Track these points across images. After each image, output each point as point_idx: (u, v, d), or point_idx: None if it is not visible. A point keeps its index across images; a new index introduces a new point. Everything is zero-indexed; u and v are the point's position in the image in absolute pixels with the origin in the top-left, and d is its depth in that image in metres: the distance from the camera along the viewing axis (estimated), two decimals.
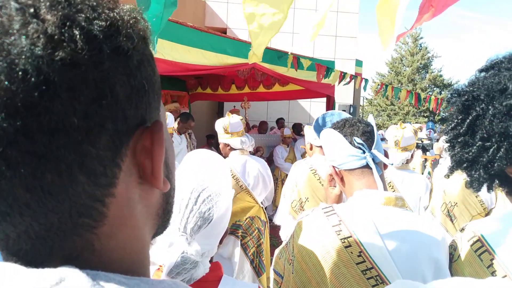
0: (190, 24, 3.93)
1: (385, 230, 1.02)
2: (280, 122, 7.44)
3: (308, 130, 2.94)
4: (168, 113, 3.06)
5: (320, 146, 2.74)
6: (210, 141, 7.21)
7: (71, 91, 0.27)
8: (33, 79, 0.26)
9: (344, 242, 1.02)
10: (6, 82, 0.26)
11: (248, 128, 6.64)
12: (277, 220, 2.98)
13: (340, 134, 1.11)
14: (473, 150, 0.54)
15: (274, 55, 4.97)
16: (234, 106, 6.89)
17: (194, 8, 8.09)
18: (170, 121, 3.06)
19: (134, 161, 0.34)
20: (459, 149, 0.58)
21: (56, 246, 0.31)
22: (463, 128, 0.57)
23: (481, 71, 0.69)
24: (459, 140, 0.59)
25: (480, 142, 0.54)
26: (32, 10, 0.27)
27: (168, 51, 3.39)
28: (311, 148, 2.86)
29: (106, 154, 0.30)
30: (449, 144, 0.61)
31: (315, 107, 9.16)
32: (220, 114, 9.21)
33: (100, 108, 0.29)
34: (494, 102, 0.57)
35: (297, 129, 6.63)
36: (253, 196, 2.77)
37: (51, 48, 0.27)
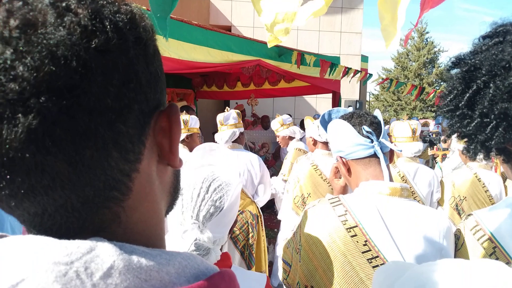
0: (195, 22, 3.95)
1: (390, 220, 1.05)
2: None
3: (310, 124, 2.95)
4: (192, 116, 3.08)
5: (324, 142, 2.75)
6: None
7: (105, 75, 0.31)
8: (73, 63, 0.29)
9: (350, 231, 1.04)
10: (52, 67, 0.29)
11: (255, 124, 6.67)
12: (280, 216, 2.99)
13: (349, 124, 1.13)
14: (471, 125, 0.52)
15: (278, 51, 4.98)
16: (237, 103, 6.91)
17: (199, 6, 8.12)
18: (194, 123, 3.07)
19: (154, 140, 0.37)
20: (458, 121, 0.56)
21: (89, 218, 0.33)
22: (463, 101, 0.53)
23: (484, 37, 0.64)
24: (457, 113, 0.56)
25: (478, 119, 0.51)
26: (64, 4, 0.31)
27: (174, 49, 3.42)
28: (314, 144, 2.86)
29: (134, 132, 0.34)
30: (447, 114, 0.59)
31: (321, 102, 9.15)
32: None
33: (128, 90, 0.33)
34: (496, 80, 0.55)
35: (304, 124, 6.63)
36: (243, 189, 2.76)
37: (86, 37, 0.30)
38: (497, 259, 1.17)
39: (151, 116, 0.36)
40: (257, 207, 2.83)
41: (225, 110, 3.07)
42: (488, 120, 0.52)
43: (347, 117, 1.16)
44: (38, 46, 0.29)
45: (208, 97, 7.71)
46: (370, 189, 1.09)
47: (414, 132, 2.77)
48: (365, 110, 1.19)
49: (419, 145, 2.76)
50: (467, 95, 0.53)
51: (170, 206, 0.44)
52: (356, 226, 1.04)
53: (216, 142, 2.91)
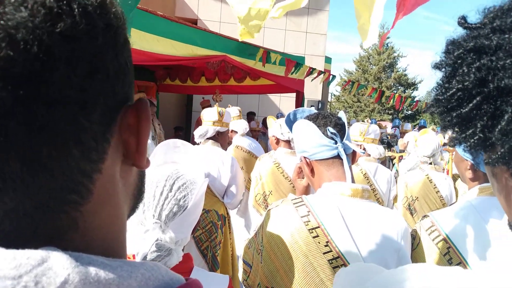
0: (160, 13, 3.83)
1: (351, 221, 1.06)
2: (250, 116, 7.46)
3: (273, 123, 2.94)
4: (228, 109, 2.83)
5: (286, 140, 2.76)
6: (178, 133, 7.11)
7: (69, 64, 0.27)
8: (34, 49, 0.26)
9: (312, 232, 1.04)
10: (9, 51, 0.25)
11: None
12: (238, 213, 2.95)
13: (314, 125, 1.14)
14: (496, 130, 0.39)
15: (244, 48, 4.96)
16: (203, 98, 6.82)
17: None
18: (228, 117, 2.85)
19: (120, 138, 0.34)
20: (456, 102, 0.44)
21: (42, 224, 0.30)
22: (470, 80, 0.42)
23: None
24: (459, 95, 0.43)
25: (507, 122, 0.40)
26: None
27: (136, 40, 3.30)
28: (277, 142, 2.86)
29: (98, 129, 0.31)
30: (445, 96, 0.45)
31: (284, 101, 9.24)
32: (189, 106, 9.10)
33: (94, 82, 0.29)
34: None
35: (267, 123, 6.67)
36: (210, 188, 2.66)
37: (50, 20, 0.27)
38: (450, 259, 1.22)
39: (118, 111, 0.33)
40: (225, 208, 2.75)
41: (215, 106, 2.82)
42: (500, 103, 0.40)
43: (312, 118, 1.16)
44: None
45: (171, 91, 7.56)
46: (332, 190, 1.09)
47: (375, 136, 2.88)
48: (330, 111, 1.19)
49: (381, 148, 2.87)
50: (476, 73, 0.43)
51: (132, 210, 0.40)
52: (318, 227, 1.04)
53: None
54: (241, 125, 4.06)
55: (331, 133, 1.11)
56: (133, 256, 0.81)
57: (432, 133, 2.93)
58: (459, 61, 0.46)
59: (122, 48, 0.33)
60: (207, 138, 2.79)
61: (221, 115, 2.80)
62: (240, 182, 2.80)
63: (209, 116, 2.79)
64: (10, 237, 0.29)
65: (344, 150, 1.12)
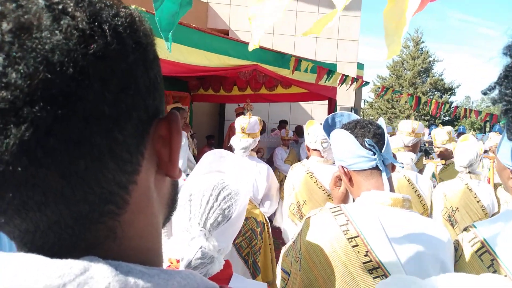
0: (193, 25, 3.94)
1: (392, 231, 1.04)
2: (282, 125, 7.46)
3: (306, 132, 2.90)
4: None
5: (316, 150, 2.73)
6: (210, 141, 7.21)
7: (102, 81, 0.29)
8: (70, 70, 0.28)
9: (351, 241, 1.03)
10: (47, 74, 0.27)
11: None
12: (276, 222, 2.95)
13: (351, 135, 1.12)
14: None
15: (276, 57, 4.99)
16: (239, 105, 6.88)
17: (197, 9, 8.12)
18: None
19: (153, 150, 0.35)
20: None
21: (82, 235, 0.31)
22: None
23: None
24: None
25: None
26: (60, 7, 0.29)
27: (171, 52, 3.40)
28: (308, 150, 2.84)
29: (132, 142, 0.32)
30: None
31: (316, 109, 9.17)
32: (221, 115, 9.22)
33: (126, 97, 0.31)
34: None
35: (299, 131, 6.64)
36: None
37: (83, 42, 0.29)
38: (495, 271, 1.17)
39: (150, 124, 0.35)
40: (263, 215, 2.78)
41: (247, 115, 2.83)
42: None
43: (350, 127, 1.15)
44: (32, 52, 0.27)
45: (204, 100, 7.69)
46: (371, 199, 1.08)
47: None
48: (368, 119, 1.17)
49: (411, 154, 2.81)
50: None
51: (167, 218, 0.42)
52: (358, 236, 1.03)
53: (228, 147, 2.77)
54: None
55: (369, 145, 1.10)
56: (177, 260, 0.84)
57: (473, 140, 2.79)
58: None
59: (151, 64, 0.35)
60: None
61: (261, 124, 2.83)
62: (274, 192, 2.81)
63: (254, 128, 2.76)
64: (54, 247, 0.31)
65: (383, 161, 1.10)
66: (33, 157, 0.27)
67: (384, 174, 1.08)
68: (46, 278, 0.27)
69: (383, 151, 1.10)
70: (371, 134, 1.11)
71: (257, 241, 2.56)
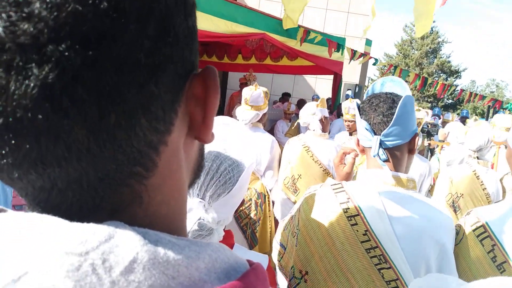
0: None
1: (393, 211, 1.02)
2: (284, 97, 7.38)
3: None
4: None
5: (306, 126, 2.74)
6: None
7: (140, 23, 0.25)
8: (104, 3, 0.23)
9: (351, 220, 1.02)
10: (77, 6, 0.22)
11: None
12: (272, 196, 2.95)
13: (358, 112, 1.10)
14: None
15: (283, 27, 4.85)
16: (245, 75, 6.79)
17: None
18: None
19: (186, 109, 0.31)
20: None
21: (106, 197, 0.28)
22: None
23: None
24: None
25: None
26: None
27: None
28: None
29: (167, 97, 0.28)
30: None
31: (320, 83, 9.06)
32: (224, 83, 9.11)
33: (165, 45, 0.27)
34: None
35: (302, 105, 6.58)
36: None
37: None
38: (495, 256, 1.17)
39: (185, 80, 0.30)
40: (264, 186, 2.76)
41: (254, 86, 2.67)
42: None
43: (366, 101, 1.10)
44: None
45: None
46: (375, 178, 1.06)
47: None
48: (387, 96, 1.08)
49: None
50: None
51: (191, 185, 0.38)
52: (358, 215, 1.01)
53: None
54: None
55: (365, 128, 1.06)
56: None
57: (486, 126, 2.75)
58: None
59: (191, 10, 0.30)
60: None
61: (266, 97, 2.76)
62: (276, 164, 2.79)
63: (258, 101, 2.71)
64: (72, 208, 0.28)
65: (380, 143, 1.04)
66: (57, 104, 0.23)
67: (378, 159, 1.04)
68: (66, 245, 0.23)
69: (385, 132, 1.03)
70: (376, 113, 1.06)
71: (256, 212, 2.57)
